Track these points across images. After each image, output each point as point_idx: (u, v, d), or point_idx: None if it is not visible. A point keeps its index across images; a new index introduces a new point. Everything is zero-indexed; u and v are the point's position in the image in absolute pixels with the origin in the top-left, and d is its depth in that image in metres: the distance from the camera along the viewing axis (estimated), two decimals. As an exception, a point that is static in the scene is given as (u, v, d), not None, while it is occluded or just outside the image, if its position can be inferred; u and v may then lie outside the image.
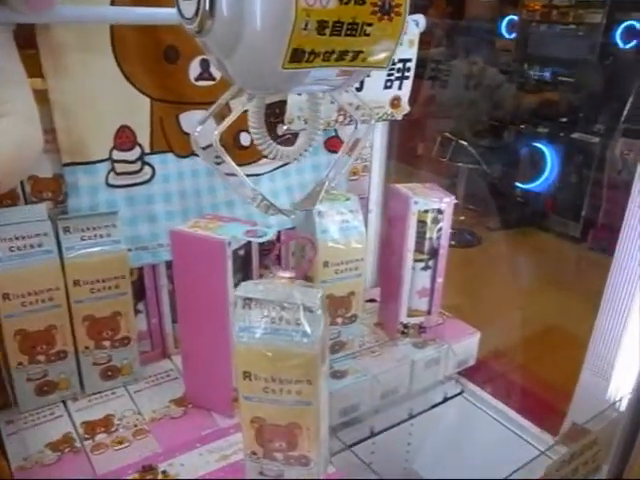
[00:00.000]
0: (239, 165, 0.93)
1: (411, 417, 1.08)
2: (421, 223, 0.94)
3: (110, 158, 0.82)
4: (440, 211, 0.94)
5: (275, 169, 0.97)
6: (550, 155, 3.37)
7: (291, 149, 0.61)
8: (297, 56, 0.43)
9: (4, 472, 0.69)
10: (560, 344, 1.92)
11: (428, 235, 0.96)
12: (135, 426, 0.80)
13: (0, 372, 0.80)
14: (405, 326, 1.02)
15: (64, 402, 0.84)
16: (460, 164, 3.18)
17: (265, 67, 0.45)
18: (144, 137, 0.85)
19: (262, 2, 0.42)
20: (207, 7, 0.43)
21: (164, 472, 0.72)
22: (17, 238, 0.76)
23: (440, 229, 0.96)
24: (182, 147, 0.88)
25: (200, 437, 0.78)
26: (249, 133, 0.91)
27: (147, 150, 0.85)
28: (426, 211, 0.94)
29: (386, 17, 0.45)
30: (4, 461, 0.72)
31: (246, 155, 0.93)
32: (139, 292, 0.91)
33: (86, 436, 0.78)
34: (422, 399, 1.08)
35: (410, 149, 3.41)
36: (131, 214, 0.86)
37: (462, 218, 3.00)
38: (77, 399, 0.85)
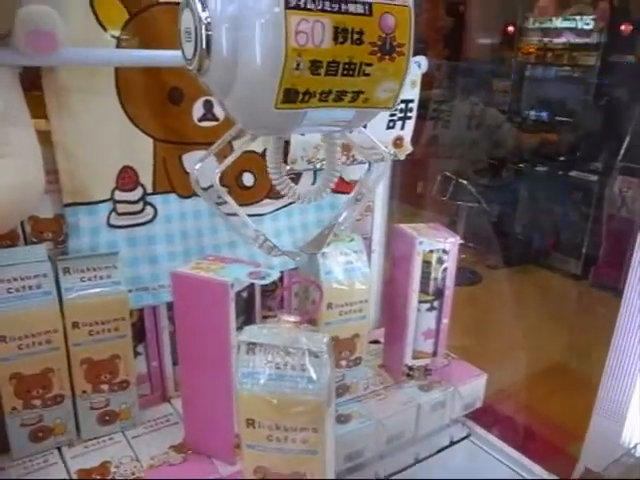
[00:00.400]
0: (241, 205, 0.93)
1: (417, 462, 1.05)
2: (426, 263, 0.93)
3: (112, 198, 0.82)
4: (445, 251, 0.94)
5: (278, 209, 0.97)
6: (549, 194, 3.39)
7: (309, 190, 0.61)
8: (290, 96, 0.43)
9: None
10: (567, 384, 1.90)
11: (433, 275, 0.94)
12: (132, 474, 0.77)
13: (-6, 417, 0.77)
14: (410, 368, 1.00)
15: (59, 448, 0.81)
16: (460, 202, 3.19)
17: (260, 107, 0.45)
18: (147, 177, 0.84)
19: (255, 42, 0.42)
20: (204, 47, 0.44)
21: (162, 524, 0.69)
22: (16, 279, 0.74)
23: (445, 269, 0.94)
24: (185, 187, 0.87)
25: (200, 486, 0.75)
26: (252, 173, 0.92)
27: (149, 190, 0.85)
28: (431, 251, 0.93)
29: (387, 57, 0.44)
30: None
31: (249, 195, 0.93)
32: (139, 334, 0.89)
33: (81, 485, 0.75)
34: (428, 443, 1.06)
35: (410, 188, 3.43)
36: (132, 255, 0.85)
37: (463, 256, 3.00)
38: (73, 445, 0.82)
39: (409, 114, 0.98)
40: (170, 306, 0.88)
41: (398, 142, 0.99)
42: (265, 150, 0.91)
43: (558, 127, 3.61)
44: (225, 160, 0.58)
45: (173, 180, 0.86)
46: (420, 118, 1.04)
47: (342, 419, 0.90)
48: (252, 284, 0.75)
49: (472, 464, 1.10)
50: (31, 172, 0.67)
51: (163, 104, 0.82)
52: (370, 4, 0.43)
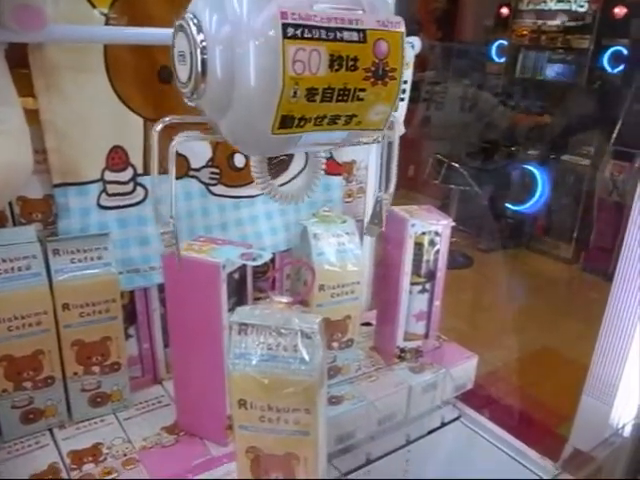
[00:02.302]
0: (233, 187, 0.93)
1: (408, 443, 1.06)
2: (418, 246, 0.93)
3: (102, 179, 0.81)
4: (437, 233, 0.93)
5: (270, 191, 0.96)
6: (541, 177, 3.40)
7: (293, 190, 0.61)
8: (287, 122, 0.43)
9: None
10: (557, 366, 1.91)
11: (425, 258, 0.94)
12: (124, 455, 0.77)
13: (-16, 399, 0.77)
14: (402, 350, 1.00)
15: (50, 430, 0.81)
16: (452, 186, 3.19)
17: (256, 131, 0.45)
18: (137, 158, 0.83)
19: (251, 65, 0.42)
20: (200, 70, 0.44)
21: (155, 504, 0.69)
22: (4, 261, 0.74)
23: (437, 251, 0.94)
24: (176, 168, 0.86)
25: (192, 467, 0.75)
26: (243, 155, 0.91)
27: (140, 171, 0.84)
28: (423, 233, 0.93)
29: (380, 82, 0.45)
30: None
31: (240, 177, 0.92)
32: (130, 316, 0.89)
33: (73, 466, 0.75)
34: (419, 424, 1.06)
35: (402, 171, 3.43)
36: (123, 236, 0.84)
37: (454, 240, 3.01)
38: (64, 427, 0.82)
39: (402, 95, 0.97)
40: (161, 288, 0.88)
41: (391, 124, 0.98)
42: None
43: (550, 110, 3.61)
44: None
45: (163, 161, 0.85)
46: (412, 100, 1.03)
47: (334, 401, 0.90)
48: (244, 265, 0.74)
49: (463, 445, 1.11)
50: (19, 151, 0.66)
51: (153, 83, 0.81)
52: (364, 31, 0.43)
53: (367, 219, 1.11)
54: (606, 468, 0.74)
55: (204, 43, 0.44)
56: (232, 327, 0.58)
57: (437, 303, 0.98)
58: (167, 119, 0.54)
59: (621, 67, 3.45)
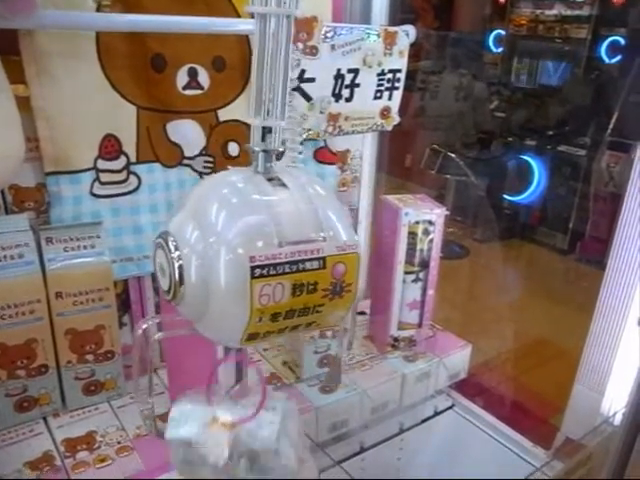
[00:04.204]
0: (227, 175, 0.92)
1: (401, 432, 1.06)
2: (412, 235, 0.93)
3: (95, 167, 0.81)
4: (431, 222, 0.94)
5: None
6: (537, 167, 3.40)
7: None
8: (253, 337, 0.48)
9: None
10: (551, 356, 1.92)
11: (419, 247, 0.95)
12: (118, 443, 0.78)
13: (-22, 388, 0.77)
14: (395, 339, 1.01)
15: (45, 418, 0.81)
16: (448, 176, 3.19)
17: (227, 338, 0.52)
18: (130, 146, 0.83)
19: (223, 281, 0.46)
20: (177, 280, 0.48)
21: (148, 491, 0.70)
22: (-3, 249, 0.74)
23: (431, 240, 0.95)
24: (169, 157, 0.86)
25: (186, 454, 0.76)
26: (237, 143, 0.91)
27: (133, 159, 0.83)
28: (417, 222, 0.93)
29: (337, 296, 0.49)
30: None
31: (234, 165, 0.91)
32: (124, 305, 0.89)
33: (67, 454, 0.75)
34: (412, 413, 1.07)
35: (398, 161, 3.42)
36: (116, 225, 0.84)
37: (450, 230, 3.01)
38: (58, 415, 0.82)
39: (396, 84, 0.96)
40: (155, 277, 0.88)
41: (385, 113, 0.98)
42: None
43: (547, 101, 3.60)
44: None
45: (157, 149, 0.85)
46: (408, 89, 1.03)
47: (327, 389, 0.91)
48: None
49: (456, 434, 1.12)
50: (10, 139, 0.66)
51: (146, 71, 0.81)
52: (324, 258, 0.47)
53: (362, 214, 1.12)
54: (596, 455, 0.74)
55: (180, 261, 0.48)
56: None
57: (431, 292, 0.98)
58: (150, 320, 0.61)
59: (618, 57, 3.44)
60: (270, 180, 0.50)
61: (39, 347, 0.78)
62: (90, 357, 0.82)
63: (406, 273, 0.96)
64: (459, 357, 1.06)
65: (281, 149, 0.51)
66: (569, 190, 3.31)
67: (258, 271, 0.44)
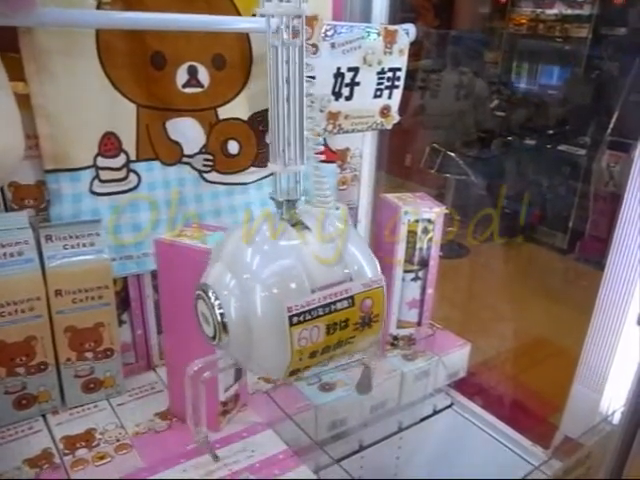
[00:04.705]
0: (227, 174, 0.93)
1: (400, 430, 1.06)
2: (411, 233, 0.93)
3: (95, 165, 0.81)
4: (430, 221, 0.94)
5: (262, 178, 0.96)
6: (537, 167, 3.39)
7: None
8: (294, 373, 0.54)
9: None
10: (550, 355, 1.92)
11: (418, 245, 0.95)
12: (117, 441, 0.78)
13: (-23, 385, 0.77)
14: (395, 338, 1.01)
15: (44, 415, 0.81)
16: (448, 175, 3.19)
17: (271, 373, 0.61)
18: (130, 144, 0.83)
19: (262, 322, 0.51)
20: (220, 325, 0.54)
21: (147, 489, 0.70)
22: (-4, 247, 0.74)
23: (430, 239, 0.95)
24: (168, 155, 0.86)
25: (185, 452, 0.76)
26: (237, 141, 0.91)
27: (133, 157, 0.83)
28: (417, 221, 0.93)
29: (366, 327, 0.54)
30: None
31: (234, 163, 0.92)
32: (123, 302, 0.89)
33: (66, 451, 0.75)
34: (411, 412, 1.07)
35: (398, 160, 3.42)
36: (116, 222, 0.84)
37: (450, 229, 3.01)
38: (57, 412, 0.82)
39: (396, 83, 0.97)
40: (154, 274, 0.88)
41: (385, 111, 0.98)
42: (251, 116, 0.91)
43: (547, 100, 3.60)
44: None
45: (157, 147, 0.85)
46: (408, 88, 1.03)
47: (326, 387, 0.91)
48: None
49: (455, 432, 1.12)
50: (9, 136, 0.66)
51: (145, 69, 0.81)
52: (353, 297, 0.52)
53: (361, 212, 1.12)
54: (595, 454, 0.74)
55: (221, 310, 0.53)
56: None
57: (430, 291, 0.98)
58: (199, 363, 0.63)
59: (619, 56, 3.44)
60: (294, 225, 0.54)
61: (38, 345, 0.78)
62: (89, 355, 0.82)
63: (405, 272, 0.96)
64: (458, 356, 1.06)
65: (303, 198, 0.56)
66: (569, 189, 3.30)
67: (295, 319, 0.49)
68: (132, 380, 0.90)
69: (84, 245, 0.79)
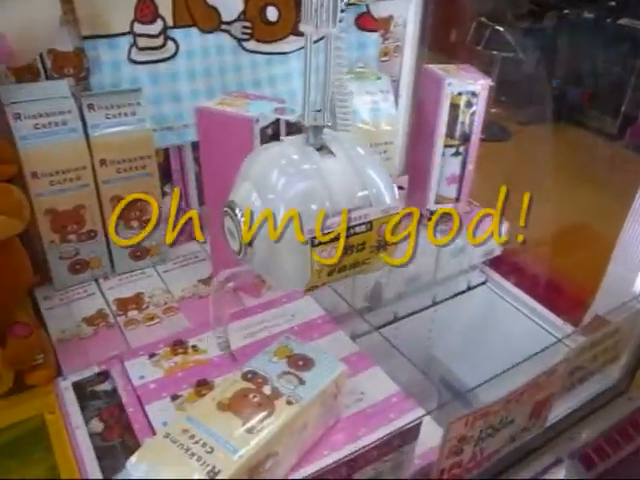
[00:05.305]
0: (265, 42, 0.89)
1: (434, 304, 1.09)
2: (454, 106, 0.90)
3: (132, 31, 0.79)
4: (475, 94, 0.90)
5: (302, 48, 0.92)
6: (593, 42, 3.17)
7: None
8: (313, 288, 0.56)
9: (46, 343, 0.72)
10: (588, 240, 1.91)
11: (460, 119, 0.91)
12: (165, 304, 0.82)
13: (37, 250, 0.81)
14: (432, 213, 1.00)
15: (96, 280, 0.86)
16: (495, 52, 3.01)
17: (291, 286, 0.62)
18: (166, 9, 0.80)
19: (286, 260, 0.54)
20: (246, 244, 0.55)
21: (194, 347, 0.74)
22: (41, 115, 0.74)
23: (474, 113, 0.91)
24: (206, 21, 0.83)
25: (228, 315, 0.80)
26: (276, 7, 0.87)
27: (170, 23, 0.81)
28: (460, 94, 0.89)
29: (382, 250, 0.56)
30: (45, 333, 0.75)
31: (273, 31, 0.88)
32: (165, 174, 0.90)
33: (119, 312, 0.81)
34: (446, 287, 1.09)
35: (443, 35, 3.23)
36: (155, 92, 0.83)
37: (493, 110, 2.89)
38: (108, 278, 0.87)
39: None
40: (195, 147, 0.88)
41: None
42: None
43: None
44: None
45: (194, 13, 0.82)
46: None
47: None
48: (277, 121, 0.73)
49: (487, 309, 1.15)
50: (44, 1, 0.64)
51: None
52: (371, 222, 0.53)
53: (402, 85, 1.07)
54: (624, 330, 0.75)
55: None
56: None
57: (470, 167, 0.96)
58: (225, 274, 0.64)
59: None
60: (319, 150, 0.55)
61: (87, 213, 0.81)
62: (135, 223, 0.84)
63: (446, 146, 0.93)
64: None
65: (329, 123, 0.57)
66: (625, 69, 3.09)
67: (316, 240, 0.51)
68: (176, 249, 0.93)
69: (126, 114, 0.79)
